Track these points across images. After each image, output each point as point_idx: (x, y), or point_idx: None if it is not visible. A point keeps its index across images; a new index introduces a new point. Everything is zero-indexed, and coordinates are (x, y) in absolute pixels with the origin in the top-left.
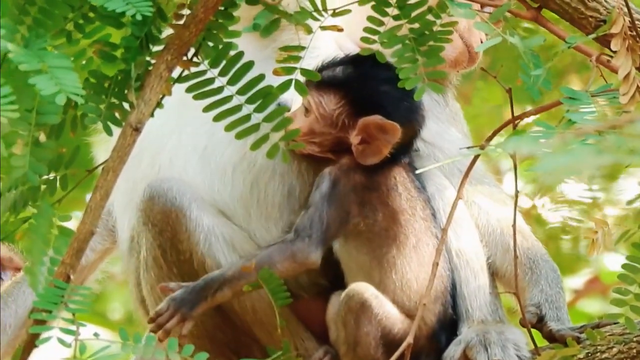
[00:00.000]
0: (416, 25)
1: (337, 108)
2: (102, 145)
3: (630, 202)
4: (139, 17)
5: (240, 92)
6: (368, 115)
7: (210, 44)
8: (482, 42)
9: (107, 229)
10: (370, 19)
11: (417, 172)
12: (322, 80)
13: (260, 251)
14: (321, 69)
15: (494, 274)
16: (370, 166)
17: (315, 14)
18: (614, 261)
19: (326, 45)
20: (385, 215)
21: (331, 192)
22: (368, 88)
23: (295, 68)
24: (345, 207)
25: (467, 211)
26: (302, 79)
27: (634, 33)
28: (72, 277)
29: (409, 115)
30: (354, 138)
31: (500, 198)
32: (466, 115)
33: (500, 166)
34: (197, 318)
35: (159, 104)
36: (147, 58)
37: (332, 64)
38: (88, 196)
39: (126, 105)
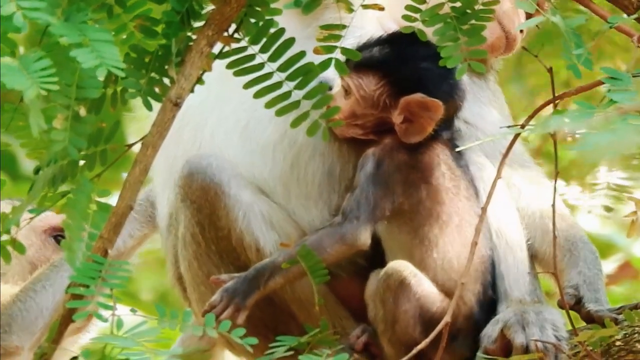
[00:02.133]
0: (458, 4)
1: (378, 89)
2: (137, 124)
3: None
4: None
5: (281, 69)
6: (409, 93)
7: (252, 20)
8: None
9: (145, 215)
10: None
11: (457, 150)
12: (360, 62)
13: (308, 236)
14: (359, 49)
15: (533, 256)
16: (413, 145)
17: None
18: None
19: (368, 25)
20: (428, 194)
21: (376, 172)
22: (407, 66)
23: (336, 47)
24: (391, 187)
25: (506, 190)
26: (342, 58)
27: None
28: (109, 251)
29: (450, 91)
30: (397, 117)
31: (540, 181)
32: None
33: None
34: (251, 308)
35: (199, 80)
36: (188, 33)
37: (369, 45)
38: (125, 175)
39: (166, 81)
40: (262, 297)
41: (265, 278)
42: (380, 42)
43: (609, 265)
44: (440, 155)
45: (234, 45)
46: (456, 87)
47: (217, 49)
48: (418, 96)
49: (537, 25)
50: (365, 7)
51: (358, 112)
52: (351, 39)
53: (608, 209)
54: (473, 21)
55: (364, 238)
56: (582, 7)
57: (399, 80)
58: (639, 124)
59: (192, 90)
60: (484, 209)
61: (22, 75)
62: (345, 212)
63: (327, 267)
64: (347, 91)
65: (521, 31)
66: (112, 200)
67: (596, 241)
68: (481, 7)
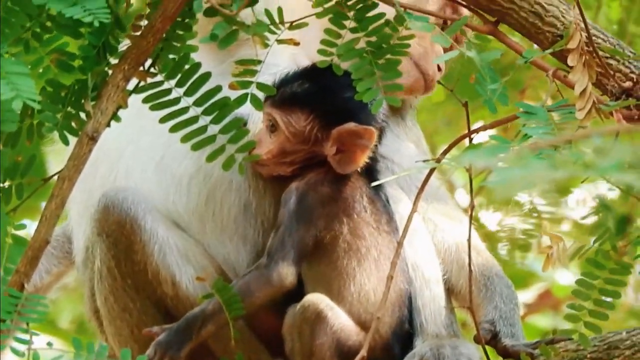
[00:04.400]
0: (373, 39)
1: (308, 123)
2: (57, 156)
3: (584, 218)
4: (96, 24)
5: (197, 103)
6: (340, 124)
7: (168, 55)
8: (439, 68)
9: (62, 251)
10: (327, 31)
11: (373, 184)
12: (285, 99)
13: (236, 280)
14: (279, 85)
15: (449, 291)
16: (337, 178)
17: (272, 27)
18: (565, 275)
19: (284, 61)
20: (350, 228)
21: (299, 208)
22: (334, 97)
23: (251, 82)
24: (314, 222)
25: (423, 225)
26: (258, 93)
27: (591, 49)
28: (26, 285)
29: (377, 120)
30: (329, 149)
31: (456, 216)
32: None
33: (453, 181)
34: (185, 359)
35: (115, 115)
36: (105, 68)
37: (288, 80)
38: (43, 205)
39: (83, 115)
40: (199, 349)
41: (197, 328)
42: (299, 76)
43: (529, 294)
44: (363, 188)
45: (150, 80)
46: (379, 115)
47: (133, 83)
48: (350, 125)
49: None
50: (280, 42)
51: (288, 149)
52: (266, 75)
53: (525, 246)
54: (389, 56)
55: (291, 278)
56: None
57: (328, 112)
58: (553, 159)
59: (108, 125)
60: (399, 243)
61: None
62: (270, 253)
63: (255, 309)
64: (273, 129)
65: (439, 70)
66: (31, 230)
67: (517, 270)
68: (397, 41)
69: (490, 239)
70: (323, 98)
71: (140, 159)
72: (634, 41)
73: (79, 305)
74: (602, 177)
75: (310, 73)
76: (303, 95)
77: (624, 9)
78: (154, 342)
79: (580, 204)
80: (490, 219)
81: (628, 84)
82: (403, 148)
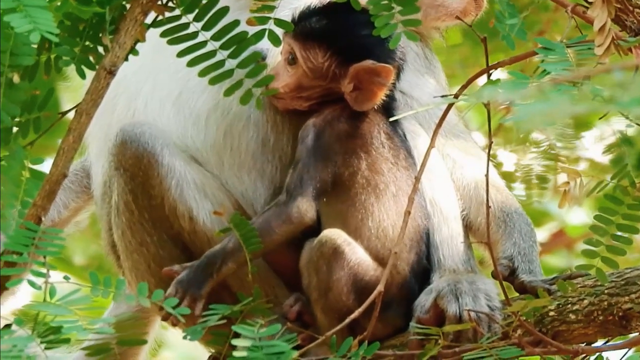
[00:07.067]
0: None
1: (326, 60)
2: (72, 94)
3: (605, 152)
4: None
5: (215, 37)
6: (357, 61)
7: None
8: None
9: (81, 186)
10: None
11: (391, 119)
12: (305, 33)
13: (255, 218)
14: (299, 20)
15: (467, 227)
16: (354, 114)
17: None
18: (578, 215)
19: None
20: (368, 164)
21: (316, 144)
22: (352, 35)
23: (269, 18)
24: (332, 158)
25: (441, 161)
26: (276, 29)
27: None
28: (43, 219)
29: (394, 57)
30: (346, 86)
31: (475, 152)
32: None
33: (468, 122)
34: (207, 296)
35: (133, 49)
36: (123, 2)
37: (307, 16)
38: (60, 142)
39: (100, 49)
40: (216, 284)
41: (218, 265)
42: (318, 12)
43: (542, 234)
44: (381, 124)
45: (168, 14)
46: (396, 53)
47: (151, 17)
48: (368, 63)
49: None
50: None
51: (305, 84)
52: (286, 10)
53: (542, 179)
54: None
55: (311, 214)
56: None
57: (346, 49)
58: (572, 94)
59: (126, 59)
60: (417, 178)
61: None
62: (289, 189)
63: (275, 246)
64: (292, 62)
65: None
66: (47, 167)
67: (530, 209)
68: None
69: (507, 178)
70: (341, 35)
71: (158, 94)
72: None
73: (92, 244)
74: (621, 112)
75: (328, 9)
76: (321, 31)
77: None
78: (175, 280)
79: (598, 141)
80: (508, 158)
81: None
82: (422, 83)
